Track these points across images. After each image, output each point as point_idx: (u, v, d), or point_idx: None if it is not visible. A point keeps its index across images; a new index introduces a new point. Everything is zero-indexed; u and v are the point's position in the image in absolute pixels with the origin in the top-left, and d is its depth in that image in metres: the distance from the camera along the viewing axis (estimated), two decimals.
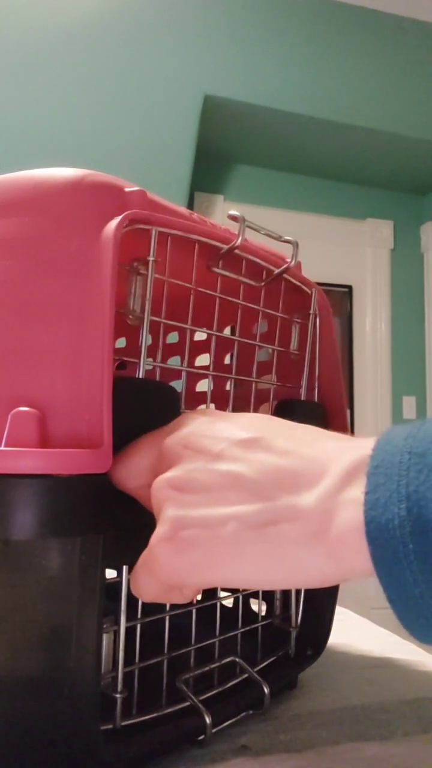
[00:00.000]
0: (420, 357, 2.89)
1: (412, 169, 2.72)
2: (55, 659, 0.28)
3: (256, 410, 0.43)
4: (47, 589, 0.28)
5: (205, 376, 0.52)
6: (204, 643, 0.39)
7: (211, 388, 0.43)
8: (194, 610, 0.39)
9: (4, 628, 0.28)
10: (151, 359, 0.34)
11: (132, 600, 0.31)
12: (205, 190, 2.61)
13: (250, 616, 0.45)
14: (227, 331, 0.49)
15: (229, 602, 0.46)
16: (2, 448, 0.27)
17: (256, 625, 0.44)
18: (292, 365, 0.47)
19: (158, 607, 0.36)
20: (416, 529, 0.20)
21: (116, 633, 0.32)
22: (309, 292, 0.45)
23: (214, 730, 0.35)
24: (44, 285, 0.30)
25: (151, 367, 0.35)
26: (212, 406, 0.43)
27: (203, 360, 0.49)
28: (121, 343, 0.54)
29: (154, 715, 0.34)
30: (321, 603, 0.47)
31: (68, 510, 0.27)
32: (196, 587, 0.28)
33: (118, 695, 0.32)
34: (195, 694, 0.36)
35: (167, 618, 0.37)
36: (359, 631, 0.63)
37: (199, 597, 0.38)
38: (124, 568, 0.32)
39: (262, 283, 0.42)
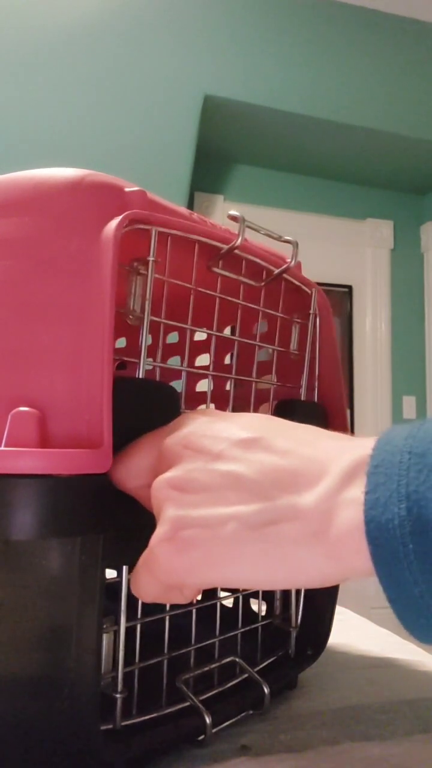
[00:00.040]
0: (420, 357, 2.89)
1: (412, 169, 2.72)
2: (55, 659, 0.28)
3: (256, 410, 0.43)
4: (47, 589, 0.28)
5: (205, 376, 0.52)
6: (204, 643, 0.39)
7: (211, 388, 0.43)
8: (194, 610, 0.39)
9: (4, 628, 0.28)
10: (151, 359, 0.34)
11: (132, 600, 0.31)
12: (205, 190, 2.61)
13: (250, 616, 0.45)
14: (227, 331, 0.49)
15: (229, 602, 0.46)
16: (2, 448, 0.27)
17: (256, 625, 0.44)
18: (292, 365, 0.47)
19: (158, 607, 0.36)
20: (416, 529, 0.20)
21: (116, 633, 0.32)
22: (309, 292, 0.45)
23: (214, 730, 0.35)
24: (44, 285, 0.30)
25: (151, 367, 0.35)
26: (212, 406, 0.43)
27: (203, 360, 0.49)
28: (121, 343, 0.54)
29: (154, 715, 0.34)
30: (321, 603, 0.47)
31: (68, 510, 0.27)
32: (196, 587, 0.28)
33: (118, 695, 0.32)
34: (195, 694, 0.36)
35: (167, 618, 0.37)
36: (359, 631, 0.63)
37: (199, 597, 0.38)
38: (124, 568, 0.32)
39: (262, 283, 0.42)
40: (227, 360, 0.50)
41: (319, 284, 0.49)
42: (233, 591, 0.44)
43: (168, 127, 2.07)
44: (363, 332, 2.84)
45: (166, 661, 0.36)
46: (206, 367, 0.45)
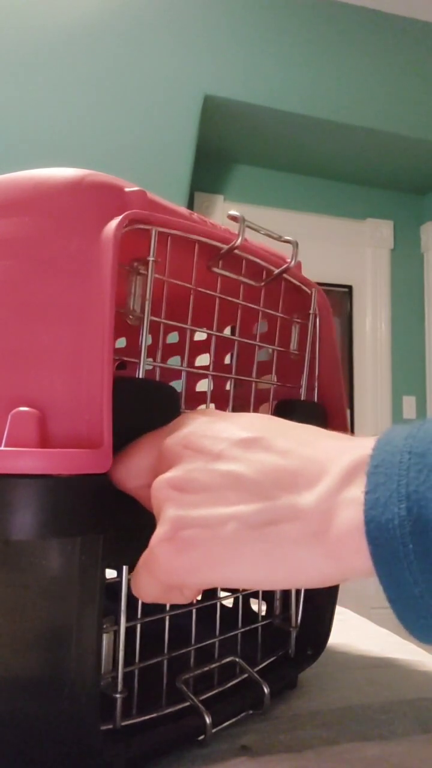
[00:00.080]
0: (420, 357, 2.89)
1: (412, 169, 2.72)
2: (55, 659, 0.28)
3: (256, 410, 0.43)
4: (47, 589, 0.28)
5: (205, 376, 0.52)
6: (204, 643, 0.39)
7: (211, 388, 0.43)
8: (194, 610, 0.39)
9: (4, 628, 0.28)
10: (151, 359, 0.34)
11: (132, 600, 0.31)
12: (205, 190, 2.61)
13: (250, 616, 0.45)
14: (227, 331, 0.49)
15: (229, 602, 0.46)
16: (2, 448, 0.27)
17: (256, 625, 0.44)
18: (292, 365, 0.47)
19: (158, 607, 0.36)
20: (416, 529, 0.20)
21: (116, 633, 0.32)
22: (309, 292, 0.45)
23: (214, 730, 0.35)
24: (44, 285, 0.30)
25: (151, 367, 0.35)
26: (212, 406, 0.43)
27: (203, 360, 0.49)
28: (121, 343, 0.54)
29: (154, 715, 0.34)
30: (321, 603, 0.47)
31: (68, 510, 0.27)
32: (196, 587, 0.28)
33: (118, 695, 0.32)
34: (195, 694, 0.36)
35: (167, 618, 0.37)
36: (359, 631, 0.63)
37: (199, 597, 0.38)
38: (124, 568, 0.32)
39: (262, 283, 0.42)
40: (227, 360, 0.50)
41: (319, 284, 0.49)
42: (233, 591, 0.44)
43: (168, 127, 2.07)
44: (363, 332, 2.84)
45: (166, 661, 0.36)
46: (206, 367, 0.45)
